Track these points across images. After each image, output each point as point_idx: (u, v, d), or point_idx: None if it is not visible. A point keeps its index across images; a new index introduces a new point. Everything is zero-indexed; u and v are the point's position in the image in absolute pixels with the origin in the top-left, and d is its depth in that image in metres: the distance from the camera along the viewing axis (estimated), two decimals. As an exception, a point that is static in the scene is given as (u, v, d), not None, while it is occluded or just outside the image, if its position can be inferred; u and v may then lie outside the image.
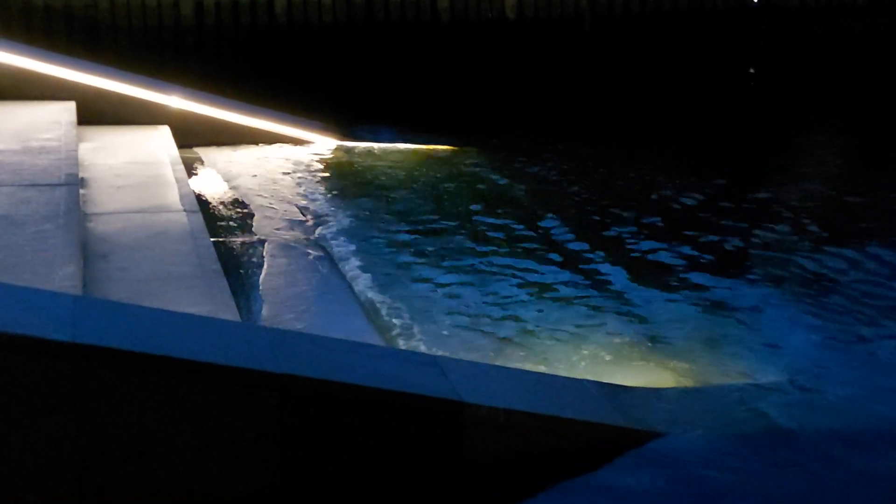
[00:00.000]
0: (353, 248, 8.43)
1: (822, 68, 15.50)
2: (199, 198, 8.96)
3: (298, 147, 12.06)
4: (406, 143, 12.35)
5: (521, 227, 9.16)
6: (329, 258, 8.18)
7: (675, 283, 7.72)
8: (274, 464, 4.46)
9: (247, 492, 4.44)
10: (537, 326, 6.91)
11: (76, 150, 8.68)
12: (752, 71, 15.80)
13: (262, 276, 7.67)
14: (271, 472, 4.46)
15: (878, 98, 14.87)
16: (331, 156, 11.85)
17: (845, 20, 16.23)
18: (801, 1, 16.04)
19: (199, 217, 7.84)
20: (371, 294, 7.43)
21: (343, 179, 10.84)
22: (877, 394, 5.83)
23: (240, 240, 8.52)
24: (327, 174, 11.01)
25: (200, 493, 4.37)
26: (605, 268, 8.08)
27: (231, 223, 8.99)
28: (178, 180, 8.89)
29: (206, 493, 4.38)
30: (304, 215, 9.38)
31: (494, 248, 8.58)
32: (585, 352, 6.50)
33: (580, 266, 8.14)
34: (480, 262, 8.19)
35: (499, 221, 9.34)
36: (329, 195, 10.16)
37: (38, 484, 4.12)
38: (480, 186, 10.64)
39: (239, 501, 4.42)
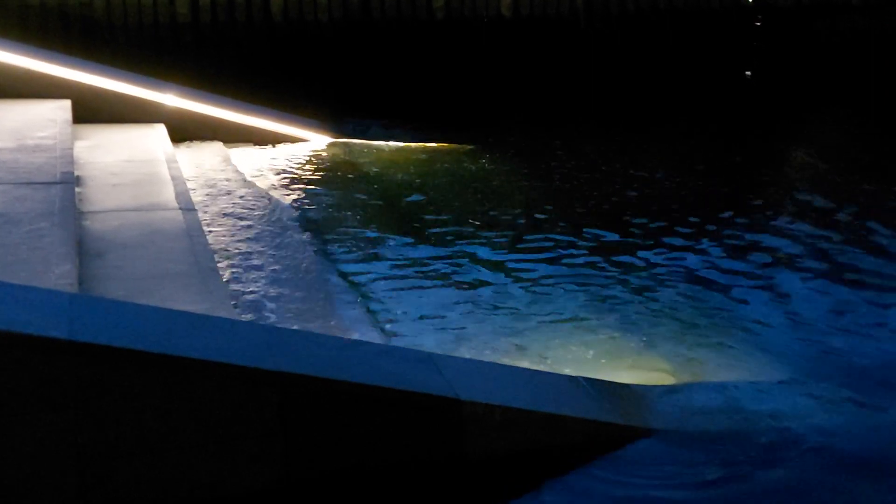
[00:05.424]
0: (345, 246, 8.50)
1: (817, 68, 15.51)
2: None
3: (294, 144, 12.07)
4: (401, 140, 12.38)
5: (517, 220, 9.24)
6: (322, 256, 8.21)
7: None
8: (276, 461, 4.47)
9: (249, 489, 4.45)
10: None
11: (72, 149, 8.66)
12: (747, 73, 15.80)
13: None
14: (273, 469, 4.48)
15: (877, 97, 14.92)
16: (326, 153, 11.85)
17: (841, 20, 16.23)
18: (797, 1, 16.04)
19: (195, 215, 7.84)
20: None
21: (337, 176, 10.84)
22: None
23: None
24: (322, 171, 11.03)
25: (203, 491, 4.38)
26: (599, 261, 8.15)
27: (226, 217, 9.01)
28: (173, 178, 8.87)
29: (209, 491, 4.39)
30: (297, 211, 9.40)
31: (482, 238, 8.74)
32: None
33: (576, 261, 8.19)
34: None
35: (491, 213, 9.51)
36: (322, 191, 10.18)
37: (40, 481, 4.13)
38: (476, 183, 10.76)
39: (242, 499, 4.43)
